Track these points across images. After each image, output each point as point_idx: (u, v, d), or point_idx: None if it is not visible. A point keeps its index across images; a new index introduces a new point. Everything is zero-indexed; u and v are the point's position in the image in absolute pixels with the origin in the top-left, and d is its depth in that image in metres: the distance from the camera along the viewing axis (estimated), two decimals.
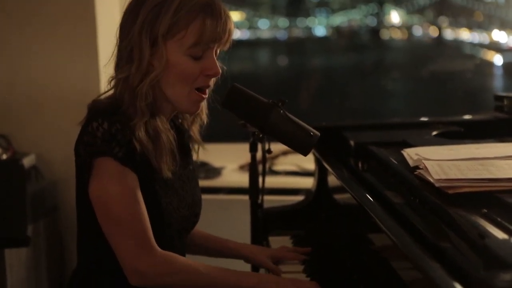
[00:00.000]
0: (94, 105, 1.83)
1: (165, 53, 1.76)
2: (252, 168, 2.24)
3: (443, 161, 1.73)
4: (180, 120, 1.99)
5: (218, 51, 1.84)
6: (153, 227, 1.76)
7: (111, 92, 1.85)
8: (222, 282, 1.77)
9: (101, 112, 1.78)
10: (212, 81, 1.85)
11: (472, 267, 1.24)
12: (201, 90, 1.83)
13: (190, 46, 1.77)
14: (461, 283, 1.17)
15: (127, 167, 1.74)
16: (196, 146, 2.01)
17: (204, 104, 1.92)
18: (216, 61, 1.82)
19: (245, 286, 1.77)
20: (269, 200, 2.34)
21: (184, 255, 1.98)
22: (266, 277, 1.84)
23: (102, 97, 1.86)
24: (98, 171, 1.75)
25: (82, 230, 1.90)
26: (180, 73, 1.78)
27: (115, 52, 1.85)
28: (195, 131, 1.98)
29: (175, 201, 1.85)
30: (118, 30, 1.85)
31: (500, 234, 1.29)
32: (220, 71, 1.83)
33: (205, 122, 1.98)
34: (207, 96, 1.85)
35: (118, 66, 1.84)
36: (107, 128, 1.73)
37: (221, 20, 1.79)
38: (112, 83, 1.84)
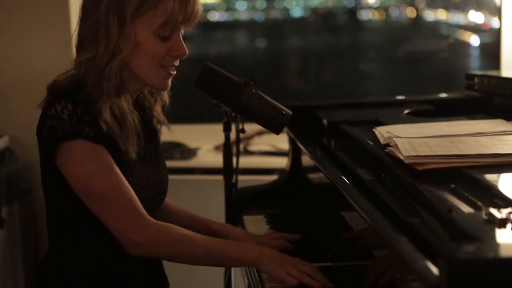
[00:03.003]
0: (54, 85, 1.81)
1: (133, 33, 1.76)
2: (226, 148, 2.24)
3: (413, 139, 1.76)
4: (142, 96, 1.97)
5: (183, 31, 1.84)
6: None
7: (71, 72, 1.83)
8: (222, 254, 1.77)
9: (62, 93, 1.76)
10: (177, 61, 1.85)
11: (439, 240, 1.26)
12: (169, 67, 1.83)
13: (158, 26, 1.76)
14: (428, 256, 1.19)
15: (99, 144, 1.73)
16: (159, 126, 2.01)
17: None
18: (183, 42, 1.82)
19: (246, 259, 1.77)
20: (244, 180, 2.36)
21: None
22: (269, 252, 1.79)
23: (62, 77, 1.83)
24: (70, 153, 1.74)
25: (51, 214, 1.89)
26: (148, 53, 1.78)
27: (77, 31, 1.83)
28: (158, 110, 1.98)
29: (142, 181, 1.85)
30: (81, 9, 1.82)
31: (466, 208, 1.32)
32: (187, 52, 1.83)
33: (167, 102, 1.98)
34: (175, 72, 1.85)
35: (81, 47, 1.81)
36: (72, 110, 1.72)
37: (190, 0, 1.79)
38: (74, 63, 1.82)
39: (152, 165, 1.93)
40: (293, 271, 1.73)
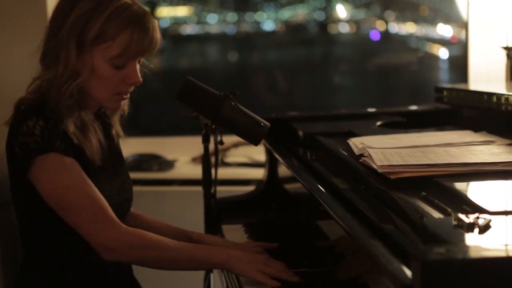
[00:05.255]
0: (21, 103, 1.86)
1: (91, 59, 1.81)
2: (205, 159, 2.29)
3: (386, 149, 1.82)
4: (103, 110, 2.02)
5: (141, 59, 1.90)
6: None
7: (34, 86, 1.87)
8: (192, 258, 1.80)
9: (30, 110, 1.81)
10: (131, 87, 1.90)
11: (411, 244, 1.32)
12: (123, 93, 1.89)
13: (114, 57, 1.82)
14: (401, 259, 1.25)
15: (70, 157, 1.79)
16: (117, 137, 2.06)
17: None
18: (138, 71, 1.87)
19: (215, 261, 1.80)
20: (221, 191, 2.38)
21: None
22: (237, 253, 1.84)
23: (26, 93, 1.88)
24: (43, 167, 1.78)
25: (23, 226, 1.93)
26: (102, 79, 1.83)
27: (43, 44, 1.87)
28: (116, 120, 2.03)
29: (107, 189, 1.90)
30: (49, 25, 1.87)
31: (436, 214, 1.38)
32: (141, 80, 1.88)
33: (126, 112, 2.03)
34: (128, 96, 1.90)
35: (44, 62, 1.86)
36: (44, 125, 1.77)
37: (149, 35, 1.84)
38: (36, 81, 1.86)
39: (115, 174, 1.97)
40: (263, 268, 1.77)
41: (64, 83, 1.81)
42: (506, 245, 1.16)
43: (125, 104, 2.00)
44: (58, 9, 1.86)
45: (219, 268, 1.84)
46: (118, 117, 2.04)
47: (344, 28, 4.92)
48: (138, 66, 1.88)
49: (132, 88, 1.91)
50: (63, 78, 1.81)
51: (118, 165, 2.02)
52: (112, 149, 2.01)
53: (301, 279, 1.76)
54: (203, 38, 5.05)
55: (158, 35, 1.87)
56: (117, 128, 2.04)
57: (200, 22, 5.00)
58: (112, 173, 1.96)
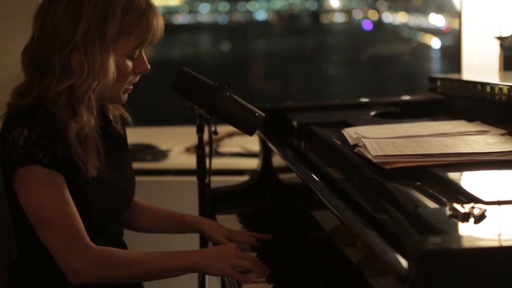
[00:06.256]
0: (14, 104, 1.81)
1: (112, 58, 1.77)
2: (199, 149, 2.30)
3: (380, 139, 1.82)
4: (106, 112, 1.98)
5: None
6: (83, 220, 1.78)
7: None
8: (162, 267, 1.78)
9: (19, 116, 1.76)
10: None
11: (407, 234, 1.33)
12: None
13: (132, 49, 1.81)
14: (397, 250, 1.25)
15: (53, 170, 1.75)
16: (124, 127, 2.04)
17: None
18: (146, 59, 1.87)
19: (187, 266, 1.78)
20: (216, 181, 2.39)
21: (121, 235, 2.04)
22: (207, 253, 1.85)
23: (23, 89, 1.82)
24: (24, 179, 1.76)
25: (15, 220, 1.92)
26: (119, 74, 1.81)
27: (33, 48, 1.81)
28: (117, 109, 2.00)
29: (104, 192, 1.87)
30: (40, 27, 1.80)
31: (431, 204, 1.39)
32: (149, 67, 1.87)
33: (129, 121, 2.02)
34: (131, 87, 1.89)
35: (45, 70, 1.79)
36: (28, 136, 1.73)
37: (160, 21, 1.84)
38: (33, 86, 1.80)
39: (117, 173, 1.94)
40: (235, 262, 1.77)
41: (86, 90, 1.76)
42: (501, 234, 1.17)
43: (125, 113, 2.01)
44: (63, 7, 1.78)
45: (193, 272, 1.82)
46: (121, 108, 2.00)
47: (337, 18, 4.92)
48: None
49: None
50: (86, 85, 1.76)
51: (123, 163, 1.99)
52: (116, 149, 1.97)
53: (296, 269, 1.77)
54: (195, 28, 5.05)
55: (161, 18, 1.87)
56: (123, 114, 2.00)
57: (192, 11, 4.99)
58: (113, 174, 1.92)
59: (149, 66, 1.87)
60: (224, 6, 4.99)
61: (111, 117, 1.98)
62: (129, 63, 1.83)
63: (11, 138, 1.74)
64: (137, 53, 1.83)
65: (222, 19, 5.05)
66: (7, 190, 1.85)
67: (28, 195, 1.77)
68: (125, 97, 1.89)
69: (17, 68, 1.84)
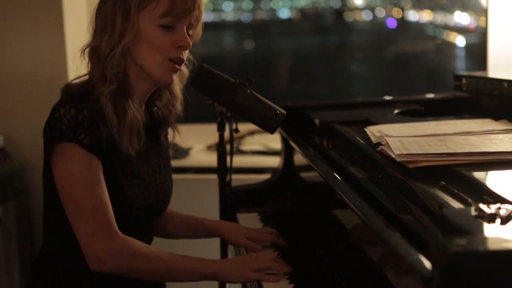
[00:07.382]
0: (67, 88, 1.88)
1: (137, 23, 1.82)
2: (220, 147, 2.28)
3: (404, 138, 1.80)
4: (156, 108, 2.01)
5: (190, 32, 1.89)
6: (118, 214, 1.79)
7: (86, 77, 1.89)
8: (183, 269, 1.78)
9: (71, 97, 1.82)
10: (185, 55, 1.88)
11: (431, 235, 1.30)
12: (175, 62, 1.87)
13: (160, 16, 1.82)
14: (421, 251, 1.23)
15: (92, 153, 1.78)
16: (170, 138, 2.06)
17: (180, 98, 1.99)
18: (187, 35, 1.86)
19: (207, 272, 1.78)
20: (236, 179, 2.38)
21: (149, 242, 2.03)
22: (226, 262, 1.86)
23: (76, 80, 1.89)
24: (62, 154, 1.79)
25: (48, 210, 1.93)
26: (151, 43, 1.83)
27: (93, 21, 1.89)
28: (173, 122, 2.03)
29: (140, 189, 1.89)
30: (97, 6, 1.89)
31: (456, 205, 1.36)
32: (190, 43, 1.87)
33: (181, 114, 2.03)
34: (181, 67, 1.89)
35: (94, 37, 1.89)
36: (74, 115, 1.77)
37: None
38: (84, 55, 1.88)
39: (156, 174, 1.96)
40: (256, 265, 1.77)
41: (109, 50, 1.82)
42: None
43: (179, 102, 2.01)
44: None
45: (212, 279, 1.81)
46: (173, 118, 2.03)
47: (361, 16, 4.90)
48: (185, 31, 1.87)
49: (185, 57, 1.89)
50: (109, 45, 1.82)
51: (162, 166, 2.00)
52: (157, 148, 1.99)
53: (317, 269, 1.75)
54: (218, 26, 5.04)
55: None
56: (174, 128, 2.05)
57: (216, 9, 5.00)
58: (152, 173, 1.94)
59: (189, 42, 1.87)
60: (247, 4, 4.99)
61: (159, 117, 2.00)
62: (163, 33, 1.83)
63: (58, 115, 1.79)
64: (171, 24, 1.83)
65: (245, 17, 5.06)
66: (45, 170, 1.87)
67: (63, 170, 1.79)
68: (170, 75, 1.87)
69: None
